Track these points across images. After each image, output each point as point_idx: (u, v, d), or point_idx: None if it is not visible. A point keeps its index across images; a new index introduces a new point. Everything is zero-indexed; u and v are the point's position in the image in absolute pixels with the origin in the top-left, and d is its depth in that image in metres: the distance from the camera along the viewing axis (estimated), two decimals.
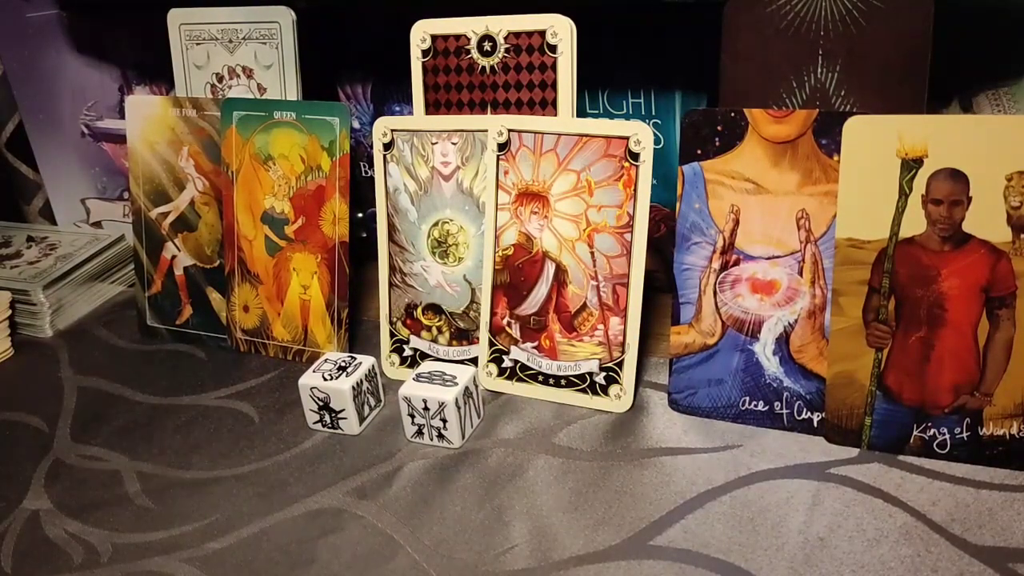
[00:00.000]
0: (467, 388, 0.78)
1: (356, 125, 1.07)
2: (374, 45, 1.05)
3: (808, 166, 0.71)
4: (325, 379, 0.80)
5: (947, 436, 0.70)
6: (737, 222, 0.74)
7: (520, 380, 0.84)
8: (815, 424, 0.74)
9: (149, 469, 0.80)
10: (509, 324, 0.84)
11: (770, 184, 0.72)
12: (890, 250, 0.69)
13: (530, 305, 0.83)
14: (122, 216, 1.24)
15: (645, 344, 0.85)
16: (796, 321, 0.74)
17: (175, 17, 1.01)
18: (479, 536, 0.68)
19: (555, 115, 0.83)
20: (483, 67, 0.85)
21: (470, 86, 0.86)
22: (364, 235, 1.07)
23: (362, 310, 1.00)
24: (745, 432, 0.76)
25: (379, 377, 0.85)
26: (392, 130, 0.86)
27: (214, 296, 1.00)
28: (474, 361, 0.87)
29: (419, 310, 0.89)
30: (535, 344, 0.83)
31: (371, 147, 0.89)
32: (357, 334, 0.97)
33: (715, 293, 0.76)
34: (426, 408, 0.77)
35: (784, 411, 0.76)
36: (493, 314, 0.85)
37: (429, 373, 0.79)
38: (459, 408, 0.77)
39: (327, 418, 0.82)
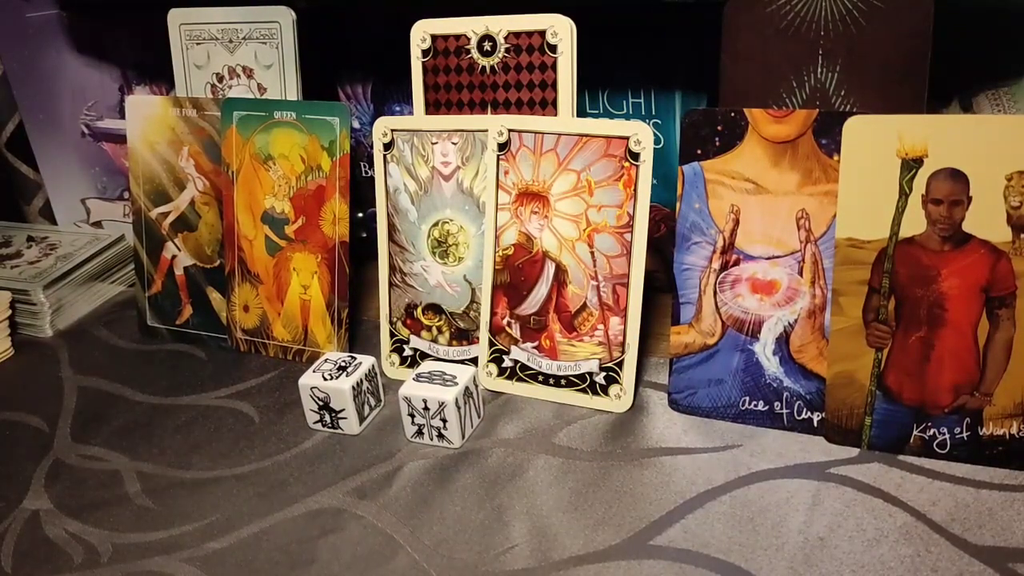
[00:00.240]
0: (467, 388, 0.78)
1: (356, 125, 1.07)
2: (374, 45, 1.05)
3: (808, 166, 0.71)
4: (325, 379, 0.80)
5: (947, 436, 0.70)
6: (737, 222, 0.74)
7: (520, 380, 0.84)
8: (815, 424, 0.75)
9: (149, 469, 0.80)
10: (509, 324, 0.84)
11: (770, 184, 0.72)
12: (890, 250, 0.69)
13: (530, 305, 0.83)
14: (122, 216, 1.24)
15: (645, 344, 0.85)
16: (796, 321, 0.74)
17: (175, 17, 1.01)
18: (479, 536, 0.68)
19: (555, 115, 0.83)
20: (483, 67, 0.85)
21: (470, 86, 0.86)
22: (364, 235, 1.07)
23: (362, 310, 1.00)
24: (745, 432, 0.76)
25: (379, 377, 0.85)
26: (392, 130, 0.86)
27: (214, 296, 1.00)
28: (474, 361, 0.87)
29: (419, 310, 0.89)
30: (535, 344, 0.83)
31: (371, 147, 0.89)
32: (357, 334, 0.97)
33: (715, 293, 0.76)
34: (426, 408, 0.77)
35: (784, 411, 0.76)
36: (493, 314, 0.85)
37: (429, 373, 0.79)
38: (459, 408, 0.77)
39: (327, 418, 0.82)
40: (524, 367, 0.84)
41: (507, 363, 0.85)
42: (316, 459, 0.79)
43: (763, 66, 0.78)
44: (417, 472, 0.75)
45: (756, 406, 0.76)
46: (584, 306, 0.81)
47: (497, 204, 0.82)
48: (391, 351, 0.91)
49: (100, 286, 1.14)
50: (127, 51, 1.16)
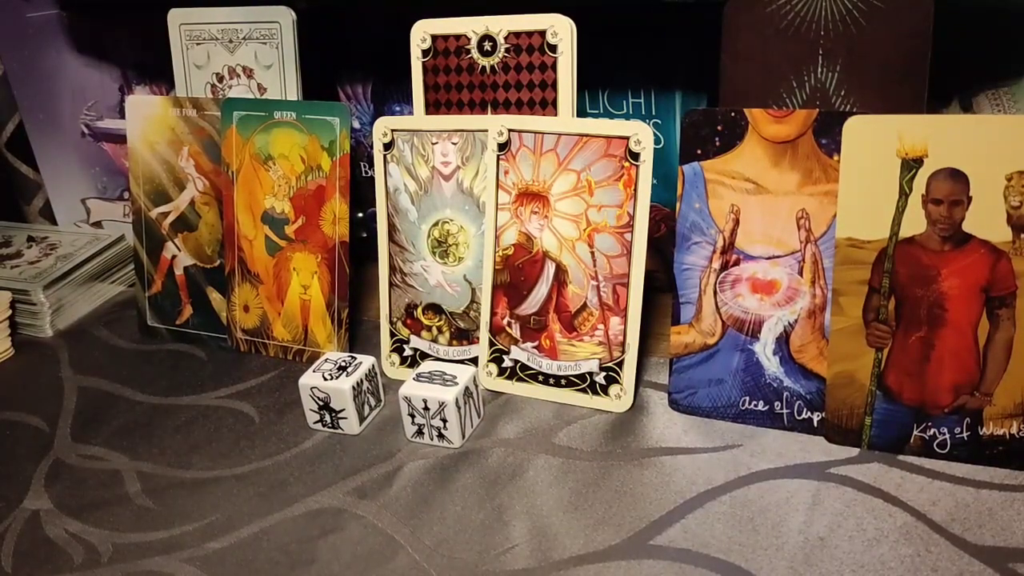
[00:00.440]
0: (467, 388, 0.78)
1: (356, 125, 1.07)
2: (374, 45, 1.05)
3: (808, 166, 0.71)
4: (325, 379, 0.80)
5: (947, 436, 0.70)
6: (737, 222, 0.74)
7: (520, 380, 0.84)
8: (815, 424, 0.75)
9: (149, 469, 0.80)
10: (509, 324, 0.84)
11: (770, 184, 0.72)
12: (890, 250, 0.69)
13: (530, 305, 0.83)
14: (122, 216, 1.24)
15: (645, 344, 0.85)
16: (796, 321, 0.74)
17: (175, 17, 1.01)
18: (479, 536, 0.68)
19: (555, 115, 0.83)
20: (483, 67, 0.85)
21: (470, 86, 0.86)
22: (364, 235, 1.07)
23: (362, 310, 1.00)
24: (745, 432, 0.76)
25: (379, 377, 0.85)
26: (392, 130, 0.86)
27: (214, 296, 1.00)
28: (474, 361, 0.87)
29: (419, 310, 0.89)
30: (535, 344, 0.83)
31: (371, 147, 0.89)
32: (357, 334, 0.97)
33: (715, 293, 0.76)
34: (426, 408, 0.77)
35: (784, 411, 0.76)
36: (493, 314, 0.85)
37: (429, 373, 0.79)
38: (459, 408, 0.77)
39: (327, 418, 0.82)
40: (524, 367, 0.84)
41: (507, 363, 0.85)
42: (316, 459, 0.79)
43: (763, 66, 0.78)
44: (417, 472, 0.75)
45: (756, 406, 0.76)
46: (584, 306, 0.81)
47: (497, 204, 0.82)
48: (391, 351, 0.91)
49: (100, 286, 1.14)
50: (127, 51, 1.16)
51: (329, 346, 0.93)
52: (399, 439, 0.80)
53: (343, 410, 0.80)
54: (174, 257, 1.01)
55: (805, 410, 0.75)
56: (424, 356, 0.89)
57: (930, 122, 0.66)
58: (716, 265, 0.76)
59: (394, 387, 0.82)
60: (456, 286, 0.87)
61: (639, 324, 0.78)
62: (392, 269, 0.90)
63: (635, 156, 0.76)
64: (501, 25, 0.83)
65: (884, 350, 0.70)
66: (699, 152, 0.74)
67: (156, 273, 1.02)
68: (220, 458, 0.80)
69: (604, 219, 0.78)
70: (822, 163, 0.70)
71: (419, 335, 0.89)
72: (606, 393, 0.81)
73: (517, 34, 0.82)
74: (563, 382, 0.82)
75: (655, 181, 0.77)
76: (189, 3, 1.00)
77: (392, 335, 0.91)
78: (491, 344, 0.85)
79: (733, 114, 0.73)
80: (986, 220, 0.65)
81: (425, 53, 0.86)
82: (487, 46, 0.84)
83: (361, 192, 1.05)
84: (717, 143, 0.73)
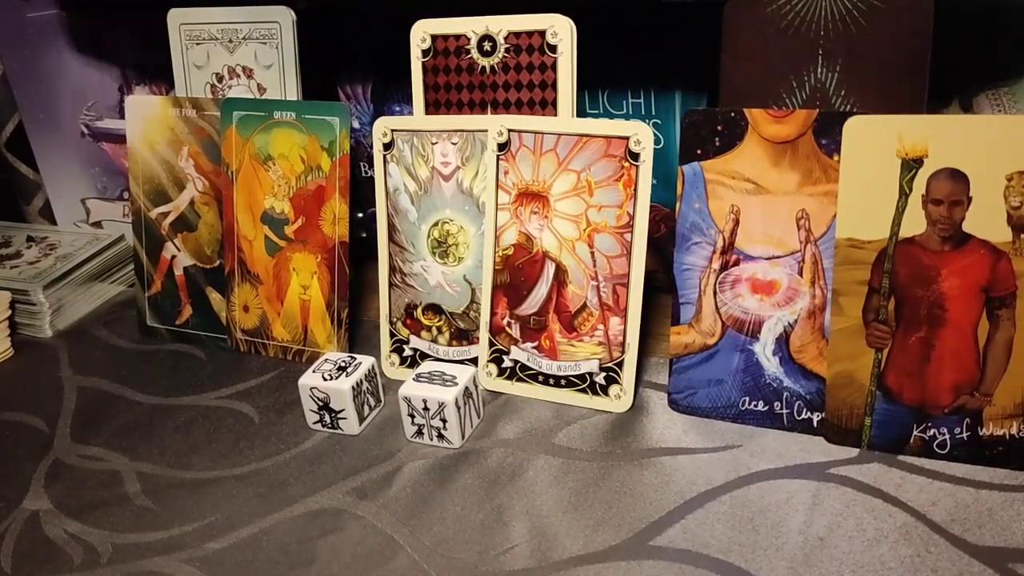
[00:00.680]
0: (467, 388, 0.78)
1: (356, 125, 1.07)
2: (374, 45, 1.05)
3: (808, 166, 0.71)
4: (325, 379, 0.80)
5: (947, 436, 0.70)
6: (737, 222, 0.74)
7: (520, 380, 0.84)
8: (815, 424, 0.74)
9: (149, 469, 0.80)
10: (509, 324, 0.84)
11: (770, 184, 0.72)
12: (890, 250, 0.69)
13: (530, 305, 0.83)
14: (122, 216, 1.24)
15: (645, 344, 0.85)
16: (796, 321, 0.74)
17: (175, 17, 1.01)
18: (479, 536, 0.68)
19: (555, 115, 0.83)
20: (483, 67, 0.85)
21: (470, 86, 0.86)
22: (364, 235, 1.07)
23: (362, 310, 1.00)
24: (745, 432, 0.76)
25: (379, 377, 0.85)
26: (392, 130, 0.86)
27: (214, 296, 1.00)
28: (474, 361, 0.87)
29: (419, 310, 0.89)
30: (535, 344, 0.83)
31: (371, 147, 0.89)
32: (357, 334, 0.97)
33: (715, 293, 0.76)
34: (426, 408, 0.77)
35: (784, 411, 0.76)
36: (493, 314, 0.85)
37: (429, 373, 0.79)
38: (459, 408, 0.77)
39: (327, 418, 0.82)
40: (524, 367, 0.84)
41: (507, 363, 0.85)
42: (316, 459, 0.79)
43: (763, 66, 0.78)
44: (417, 472, 0.75)
45: (756, 406, 0.76)
46: (584, 306, 0.81)
47: (497, 204, 0.82)
48: (391, 351, 0.91)
49: (100, 286, 1.14)
50: (127, 51, 1.16)
51: (329, 346, 0.93)
52: (399, 439, 0.80)
53: (343, 410, 0.80)
54: (174, 257, 1.01)
55: (805, 410, 0.75)
56: (424, 356, 0.89)
57: (930, 122, 0.66)
58: (716, 265, 0.76)
59: (394, 387, 0.82)
60: (456, 286, 0.87)
61: (639, 324, 0.78)
62: (392, 269, 0.89)
63: (635, 156, 0.76)
64: (501, 25, 0.83)
65: (884, 350, 0.70)
66: (699, 152, 0.74)
67: (156, 273, 1.02)
68: (220, 458, 0.80)
69: (604, 219, 0.78)
70: (822, 163, 0.70)
71: (419, 335, 0.89)
72: (606, 393, 0.81)
73: (517, 34, 0.82)
74: (563, 382, 0.82)
75: (655, 181, 0.77)
76: (189, 3, 1.00)
77: (392, 335, 0.91)
78: (491, 344, 0.85)
79: (733, 114, 0.73)
80: (986, 220, 0.65)
81: (425, 53, 0.86)
82: (487, 46, 0.84)
83: (361, 192, 1.05)
84: (717, 143, 0.73)
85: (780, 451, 0.73)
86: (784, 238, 0.73)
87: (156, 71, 1.14)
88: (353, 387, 0.80)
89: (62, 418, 0.89)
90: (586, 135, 0.77)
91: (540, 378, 0.83)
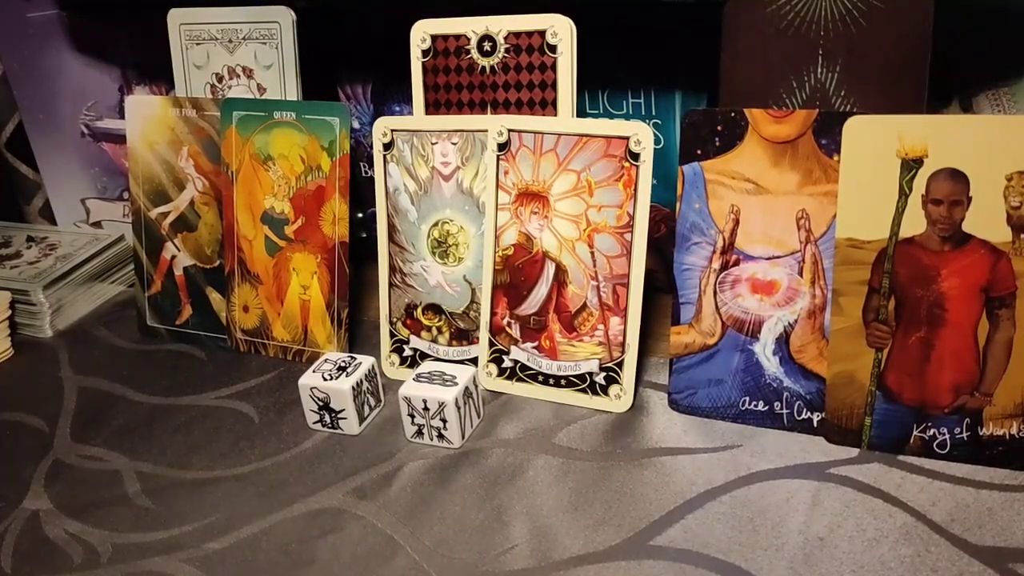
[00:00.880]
0: (467, 388, 0.78)
1: (356, 125, 1.07)
2: (374, 45, 1.05)
3: (808, 166, 0.71)
4: (325, 379, 0.80)
5: (947, 436, 0.70)
6: (737, 222, 0.74)
7: (520, 380, 0.84)
8: (815, 424, 0.74)
9: (149, 469, 0.80)
10: (509, 324, 0.84)
11: (770, 184, 0.72)
12: (890, 250, 0.69)
13: (530, 305, 0.83)
14: (122, 216, 1.24)
15: (645, 344, 0.85)
16: (796, 321, 0.74)
17: (175, 17, 1.01)
18: (479, 536, 0.68)
19: (555, 115, 0.83)
20: (483, 67, 0.85)
21: (470, 86, 0.86)
22: (364, 235, 1.07)
23: (362, 310, 1.00)
24: (745, 432, 0.76)
25: (379, 377, 0.85)
26: (392, 130, 0.86)
27: (214, 296, 1.00)
28: (474, 361, 0.87)
29: (419, 310, 0.89)
30: (535, 344, 0.83)
31: (371, 147, 0.89)
32: (357, 334, 0.97)
33: (715, 293, 0.76)
34: (426, 408, 0.77)
35: (784, 411, 0.76)
36: (493, 314, 0.85)
37: (429, 373, 0.79)
38: (459, 408, 0.77)
39: (327, 418, 0.82)
40: (524, 367, 0.84)
41: (507, 363, 0.85)
42: (316, 459, 0.79)
43: (763, 66, 0.78)
44: (417, 472, 0.75)
45: (756, 406, 0.76)
46: (584, 306, 0.81)
47: (497, 204, 0.82)
48: (391, 351, 0.91)
49: (100, 286, 1.14)
50: (127, 51, 1.16)
51: (329, 346, 0.93)
52: (399, 439, 0.80)
53: (343, 410, 0.80)
54: (174, 257, 1.01)
55: (805, 410, 0.75)
56: (424, 356, 0.89)
57: (930, 122, 0.66)
58: (716, 265, 0.76)
59: (394, 387, 0.82)
60: (456, 286, 0.87)
61: (639, 324, 0.78)
62: (392, 269, 0.90)
63: (635, 156, 0.76)
64: (501, 25, 0.83)
65: (884, 350, 0.70)
66: (699, 152, 0.74)
67: (156, 273, 1.02)
68: (220, 458, 0.80)
69: (604, 219, 0.78)
70: (822, 163, 0.70)
71: (419, 335, 0.89)
72: (606, 393, 0.81)
73: (517, 34, 0.82)
74: (563, 382, 0.82)
75: (655, 181, 0.77)
76: (189, 3, 1.00)
77: (392, 335, 0.91)
78: (491, 344, 0.85)
79: (733, 114, 0.73)
80: (986, 220, 0.65)
81: (425, 53, 0.86)
82: (487, 46, 0.84)
83: (361, 192, 1.05)
84: (717, 143, 0.73)
85: (780, 451, 0.73)
86: (784, 238, 0.73)
87: (156, 71, 1.14)
88: (353, 387, 0.80)
89: (62, 418, 0.89)
90: (586, 135, 0.77)
91: (540, 378, 0.83)
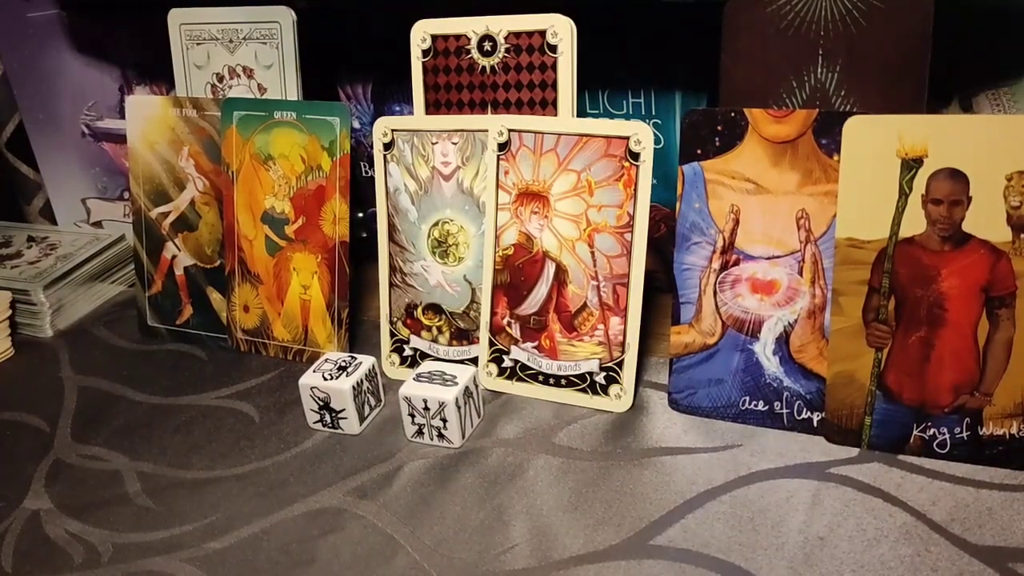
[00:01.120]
0: (467, 388, 0.78)
1: (356, 125, 1.07)
2: (374, 45, 1.05)
3: (808, 166, 0.71)
4: (325, 379, 0.80)
5: (947, 436, 0.70)
6: (737, 222, 0.74)
7: (520, 380, 0.84)
8: (815, 424, 0.75)
9: (149, 469, 0.80)
10: (509, 324, 0.84)
11: (770, 184, 0.72)
12: (890, 250, 0.69)
13: (530, 305, 0.83)
14: (122, 216, 1.24)
15: (645, 344, 0.85)
16: (796, 321, 0.74)
17: (175, 17, 1.01)
18: (479, 536, 0.68)
19: (555, 115, 0.83)
20: (483, 67, 0.85)
21: (470, 86, 0.86)
22: (364, 235, 1.07)
23: (362, 310, 1.00)
24: (745, 432, 0.76)
25: (379, 377, 0.85)
26: (392, 130, 0.86)
27: (214, 296, 1.00)
28: (474, 361, 0.87)
29: (419, 310, 0.89)
30: (535, 344, 0.83)
31: (371, 147, 0.89)
32: (357, 334, 0.97)
33: (715, 293, 0.76)
34: (426, 408, 0.77)
35: (784, 411, 0.76)
36: (493, 314, 0.85)
37: (429, 373, 0.79)
38: (459, 408, 0.77)
39: (327, 418, 0.82)
40: (524, 367, 0.84)
41: (507, 363, 0.85)
42: (316, 459, 0.79)
43: (763, 66, 0.78)
44: (417, 472, 0.75)
45: (756, 406, 0.76)
46: (584, 306, 0.81)
47: (497, 204, 0.82)
48: (391, 351, 0.91)
49: (100, 286, 1.14)
50: (127, 51, 1.16)
51: (329, 346, 0.93)
52: (399, 439, 0.80)
53: (343, 410, 0.80)
54: (174, 257, 1.01)
55: (805, 410, 0.75)
56: (424, 356, 0.89)
57: (930, 122, 0.66)
58: (716, 265, 0.76)
59: (394, 387, 0.82)
60: (456, 286, 0.87)
61: (639, 324, 0.78)
62: (392, 269, 0.90)
63: (635, 156, 0.76)
64: (501, 25, 0.83)
65: (884, 350, 0.70)
66: (699, 152, 0.74)
67: (156, 273, 1.02)
68: (220, 458, 0.80)
69: (604, 219, 0.78)
70: (822, 163, 0.70)
71: (419, 335, 0.89)
72: (606, 393, 0.81)
73: (517, 34, 0.82)
74: (563, 382, 0.82)
75: (655, 181, 0.77)
76: (189, 3, 1.00)
77: (392, 335, 0.91)
78: (491, 344, 0.85)
79: (733, 114, 0.73)
80: (986, 220, 0.65)
81: (425, 53, 0.86)
82: (487, 46, 0.84)
83: (361, 192, 1.05)
84: (717, 143, 0.73)
85: (780, 451, 0.73)
86: (784, 238, 0.73)
87: (156, 71, 1.14)
88: (353, 387, 0.80)
89: (62, 418, 0.89)
90: (586, 135, 0.77)
91: (540, 378, 0.83)
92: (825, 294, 0.72)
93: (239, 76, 1.00)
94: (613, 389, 0.80)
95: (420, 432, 0.79)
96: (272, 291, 0.95)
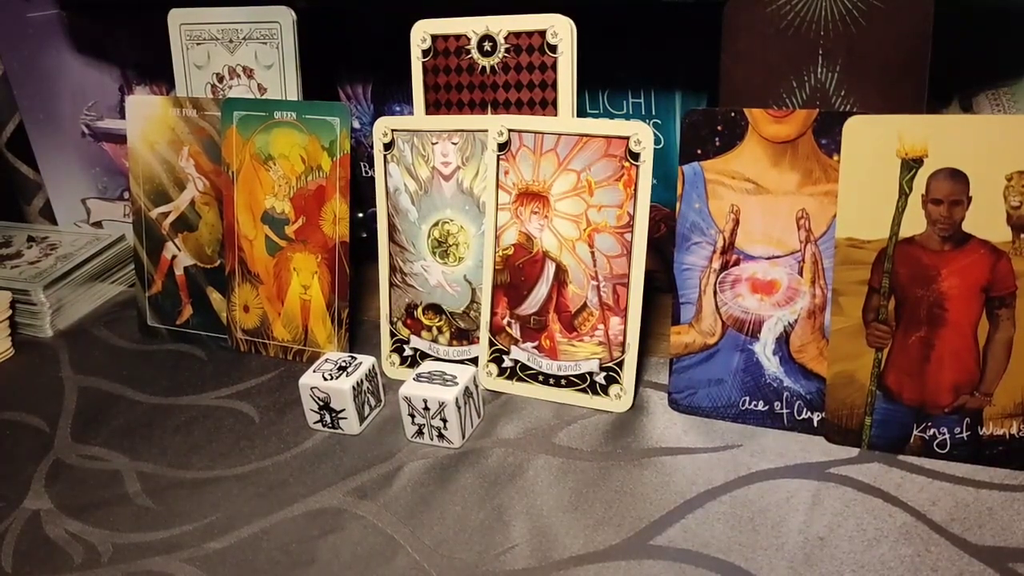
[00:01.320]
0: (467, 388, 0.78)
1: (356, 125, 1.07)
2: (374, 45, 1.05)
3: (808, 166, 0.71)
4: (325, 379, 0.80)
5: (947, 436, 0.70)
6: (737, 222, 0.74)
7: (520, 380, 0.84)
8: (815, 424, 0.75)
9: (149, 469, 0.80)
10: (509, 324, 0.84)
11: (770, 184, 0.72)
12: (890, 250, 0.69)
13: (530, 305, 0.83)
14: (122, 216, 1.24)
15: (645, 344, 0.85)
16: (796, 321, 0.74)
17: (175, 17, 1.01)
18: (479, 536, 0.68)
19: (555, 115, 0.83)
20: (483, 67, 0.85)
21: (470, 86, 0.86)
22: (364, 235, 1.07)
23: (362, 310, 1.00)
24: (745, 432, 0.76)
25: (379, 377, 0.85)
26: (392, 130, 0.86)
27: (214, 296, 1.00)
28: (474, 361, 0.87)
29: (419, 310, 0.89)
30: (535, 344, 0.83)
31: (371, 147, 0.89)
32: (357, 334, 0.97)
33: (715, 293, 0.76)
34: (426, 408, 0.77)
35: (784, 411, 0.76)
36: (493, 314, 0.85)
37: (429, 373, 0.79)
38: (459, 408, 0.77)
39: (327, 418, 0.82)
40: (524, 367, 0.84)
41: (507, 363, 0.85)
42: (316, 459, 0.79)
43: (763, 66, 0.78)
44: (417, 472, 0.75)
45: (756, 406, 0.76)
46: (584, 306, 0.81)
47: (497, 204, 0.82)
48: (391, 351, 0.91)
49: (100, 286, 1.14)
50: (127, 51, 1.16)
51: (329, 346, 0.93)
52: (399, 439, 0.80)
53: (343, 410, 0.80)
54: (174, 257, 1.01)
55: (805, 410, 0.75)
56: (424, 356, 0.89)
57: (930, 122, 0.66)
58: (716, 265, 0.76)
59: (394, 387, 0.82)
60: (456, 286, 0.87)
61: (639, 324, 0.78)
62: (392, 269, 0.90)
63: (635, 156, 0.76)
64: (501, 25, 0.83)
65: (884, 350, 0.70)
66: (699, 152, 0.74)
67: (156, 273, 1.02)
68: (220, 458, 0.80)
69: (604, 219, 0.78)
70: (822, 163, 0.70)
71: (419, 335, 0.89)
72: (606, 393, 0.81)
73: (517, 34, 0.82)
74: (563, 382, 0.82)
75: (655, 181, 0.77)
76: (189, 3, 1.00)
77: (392, 335, 0.91)
78: (491, 344, 0.85)
79: (733, 114, 0.73)
80: (986, 220, 0.65)
81: (425, 53, 0.86)
82: (487, 46, 0.84)
83: (361, 192, 1.05)
84: (717, 143, 0.73)
85: (780, 451, 0.73)
86: (784, 238, 0.73)
87: (156, 71, 1.14)
88: (353, 387, 0.80)
89: (62, 418, 0.89)
90: (586, 135, 0.77)
91: (540, 378, 0.83)
92: (825, 294, 0.72)
93: (239, 76, 1.00)
94: (613, 389, 0.80)
95: (420, 432, 0.79)
96: (272, 291, 0.95)
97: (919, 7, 0.72)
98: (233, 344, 0.98)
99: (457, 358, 0.88)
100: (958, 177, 0.65)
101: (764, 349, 0.76)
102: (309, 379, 0.81)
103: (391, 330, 0.91)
